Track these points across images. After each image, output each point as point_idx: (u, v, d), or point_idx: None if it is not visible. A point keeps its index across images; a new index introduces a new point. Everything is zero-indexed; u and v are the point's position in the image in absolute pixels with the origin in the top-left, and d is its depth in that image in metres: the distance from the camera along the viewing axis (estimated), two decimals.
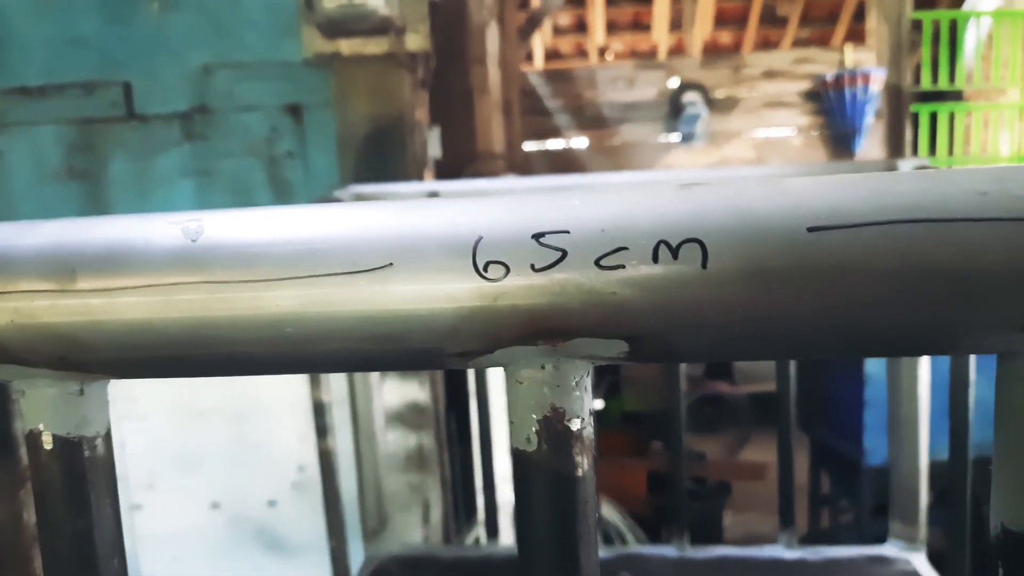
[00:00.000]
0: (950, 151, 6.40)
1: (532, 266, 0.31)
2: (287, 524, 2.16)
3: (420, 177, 2.09)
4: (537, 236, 0.31)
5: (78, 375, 0.35)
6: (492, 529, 1.44)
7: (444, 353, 0.33)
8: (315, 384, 1.18)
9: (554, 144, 6.60)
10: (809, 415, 3.90)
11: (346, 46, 1.88)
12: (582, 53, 7.45)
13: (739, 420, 5.34)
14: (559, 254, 0.31)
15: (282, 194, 2.08)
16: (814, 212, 0.29)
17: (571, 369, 0.33)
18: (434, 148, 2.59)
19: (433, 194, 1.29)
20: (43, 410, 0.35)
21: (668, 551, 1.34)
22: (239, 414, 2.09)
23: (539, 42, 7.26)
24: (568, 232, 0.31)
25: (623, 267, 0.30)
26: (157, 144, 2.14)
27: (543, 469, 0.33)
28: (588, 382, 0.34)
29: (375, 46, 1.86)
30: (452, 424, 2.21)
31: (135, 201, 2.14)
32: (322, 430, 1.18)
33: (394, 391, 2.02)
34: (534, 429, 0.33)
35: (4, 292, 0.34)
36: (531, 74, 6.49)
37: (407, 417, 2.00)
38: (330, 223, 0.33)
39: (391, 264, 0.32)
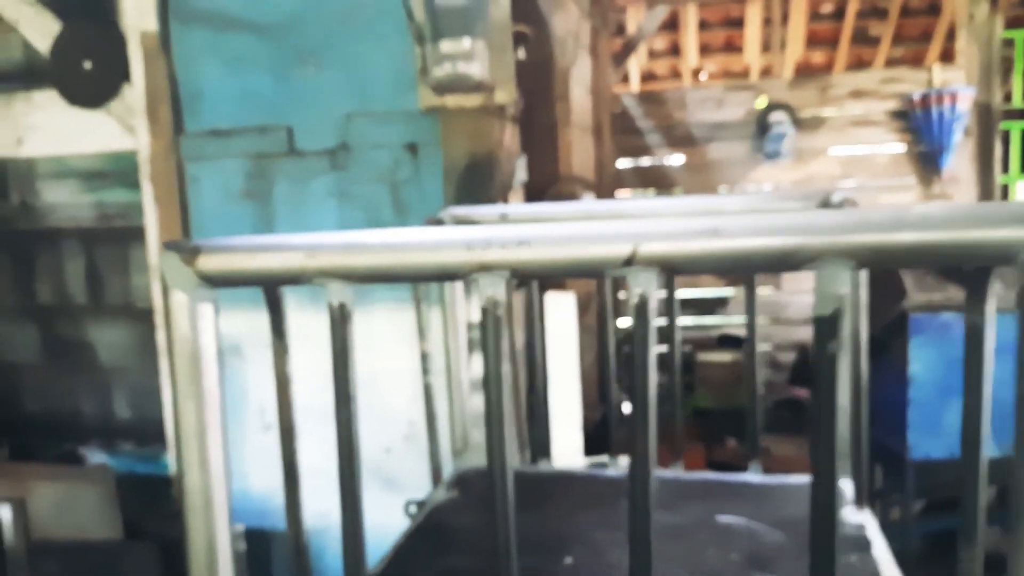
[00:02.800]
0: None
1: None
2: (399, 467, 2.79)
3: (506, 199, 2.68)
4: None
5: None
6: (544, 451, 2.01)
7: None
8: (422, 336, 1.77)
9: (648, 161, 7.07)
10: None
11: (451, 100, 2.50)
12: (677, 75, 7.89)
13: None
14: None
15: (401, 212, 2.72)
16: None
17: None
18: (521, 173, 3.18)
19: (504, 215, 1.86)
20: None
21: (663, 474, 1.86)
22: (363, 380, 2.73)
23: (635, 65, 7.76)
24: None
25: None
26: (311, 173, 2.82)
27: None
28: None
29: (472, 101, 2.47)
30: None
31: (293, 216, 2.83)
32: (425, 369, 1.77)
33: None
34: None
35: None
36: (625, 96, 6.99)
37: None
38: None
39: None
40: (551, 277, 0.84)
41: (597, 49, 5.60)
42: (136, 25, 2.83)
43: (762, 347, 7.07)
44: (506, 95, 2.47)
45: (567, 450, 3.59)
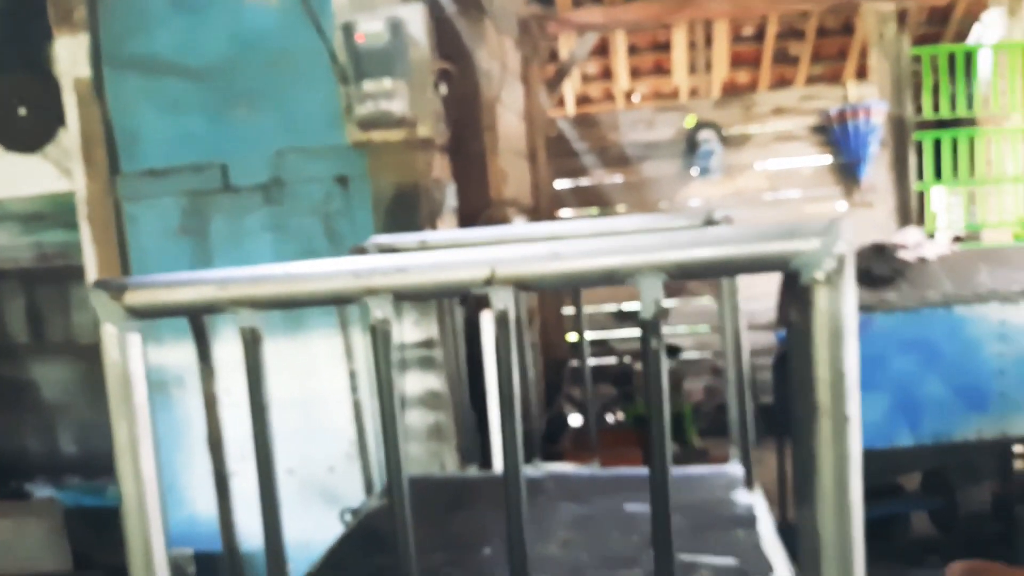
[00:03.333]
0: (955, 174, 6.88)
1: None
2: (342, 484, 2.91)
3: (434, 226, 2.84)
4: None
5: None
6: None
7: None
8: (349, 357, 1.90)
9: (585, 181, 7.32)
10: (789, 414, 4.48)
11: (376, 136, 2.66)
12: (611, 98, 8.18)
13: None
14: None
15: (334, 242, 2.86)
16: None
17: None
18: (451, 200, 3.35)
19: (423, 242, 2.02)
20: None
21: (581, 472, 2.02)
22: (306, 401, 2.86)
23: (570, 90, 8.02)
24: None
25: None
26: (246, 208, 2.95)
27: None
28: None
29: (395, 135, 2.63)
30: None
31: (230, 251, 2.95)
32: (353, 387, 1.91)
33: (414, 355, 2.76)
34: None
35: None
36: (560, 120, 7.23)
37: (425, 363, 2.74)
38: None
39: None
40: (426, 297, 1.00)
41: (528, 76, 5.82)
42: (70, 72, 2.93)
43: (704, 354, 7.34)
44: (428, 129, 2.64)
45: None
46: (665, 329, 0.89)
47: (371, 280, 0.94)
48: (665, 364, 1.01)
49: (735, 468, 1.93)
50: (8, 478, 3.37)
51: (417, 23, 2.58)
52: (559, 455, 4.44)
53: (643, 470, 2.09)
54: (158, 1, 2.88)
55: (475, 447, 3.25)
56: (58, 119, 2.97)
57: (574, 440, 4.81)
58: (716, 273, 0.88)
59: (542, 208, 6.01)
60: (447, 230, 2.60)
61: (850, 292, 0.85)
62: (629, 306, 7.35)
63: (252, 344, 1.05)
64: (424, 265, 0.94)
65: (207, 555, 3.02)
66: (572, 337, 7.32)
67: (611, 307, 7.40)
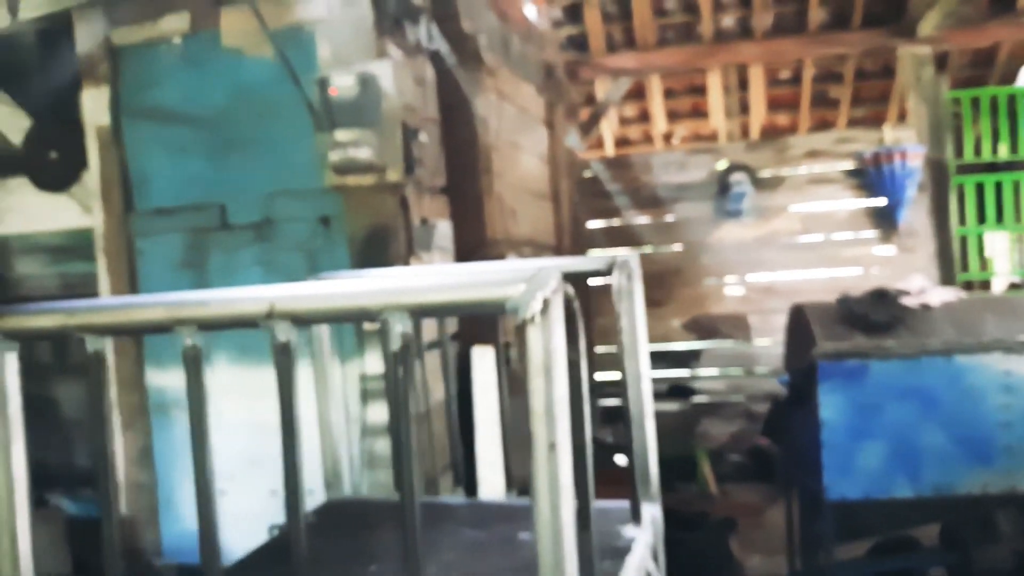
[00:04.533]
0: (999, 219, 6.70)
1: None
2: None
3: (407, 262, 3.02)
4: None
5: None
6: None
7: None
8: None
9: (617, 222, 7.42)
10: (793, 462, 4.44)
11: (350, 180, 2.87)
12: (649, 140, 8.29)
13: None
14: None
15: (316, 277, 3.06)
16: None
17: None
18: (440, 239, 3.54)
19: (362, 277, 2.20)
20: None
21: (495, 500, 2.14)
22: (258, 429, 3.05)
23: (608, 132, 8.18)
24: None
25: None
26: (240, 244, 3.20)
27: None
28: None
29: (366, 180, 2.84)
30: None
31: (225, 283, 3.19)
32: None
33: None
34: None
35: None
36: (594, 162, 7.38)
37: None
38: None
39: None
40: (221, 328, 1.16)
41: (553, 120, 6.01)
42: (93, 120, 3.27)
43: (735, 398, 7.27)
44: (396, 174, 2.83)
45: (494, 485, 3.85)
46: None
47: (180, 311, 1.12)
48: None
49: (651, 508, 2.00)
50: (32, 488, 3.67)
51: (387, 77, 2.80)
52: None
53: (510, 501, 2.17)
54: (168, 57, 3.19)
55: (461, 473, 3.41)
56: (82, 162, 3.30)
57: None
58: (448, 313, 1.01)
59: (566, 247, 6.15)
60: (393, 268, 2.77)
61: (557, 331, 0.97)
62: (658, 346, 7.36)
63: (97, 365, 1.24)
64: (218, 300, 1.11)
65: (194, 568, 3.23)
66: (601, 377, 7.38)
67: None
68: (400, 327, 1.03)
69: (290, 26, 3.02)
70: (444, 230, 3.72)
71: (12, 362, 1.26)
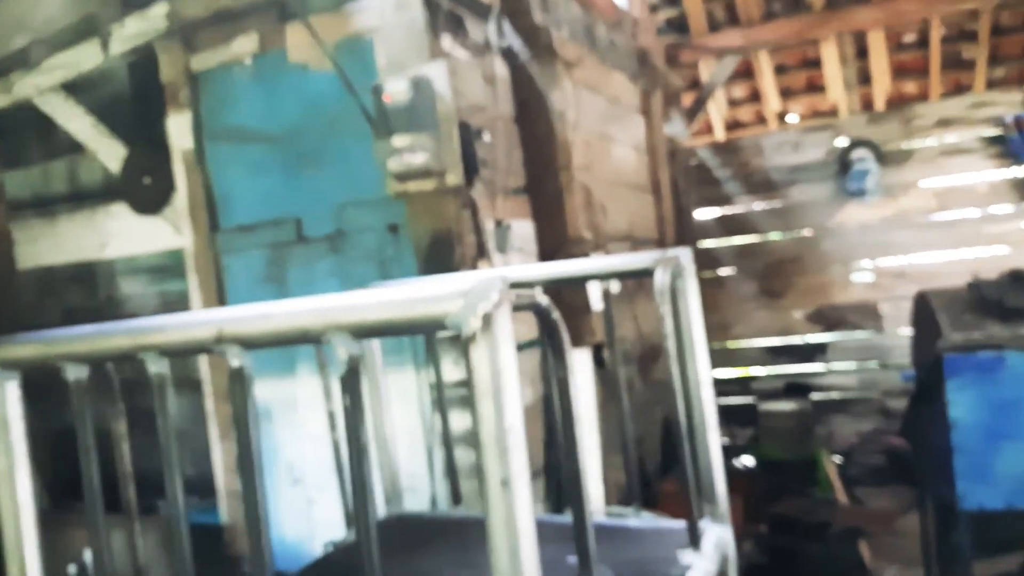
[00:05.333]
0: None
1: None
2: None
3: (474, 266, 2.94)
4: None
5: None
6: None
7: None
8: (328, 398, 2.06)
9: (729, 210, 7.06)
10: (925, 466, 4.02)
11: (411, 186, 2.82)
12: (762, 120, 7.84)
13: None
14: None
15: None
16: None
17: None
18: (518, 240, 3.44)
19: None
20: None
21: (556, 519, 2.01)
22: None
23: (717, 115, 7.80)
24: None
25: None
26: (315, 257, 3.23)
27: None
28: None
29: (426, 185, 2.78)
30: None
31: (304, 295, 3.24)
32: (332, 426, 2.06)
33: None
34: None
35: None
36: (700, 148, 7.06)
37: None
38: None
39: None
40: (184, 355, 1.11)
41: (649, 109, 5.77)
42: (179, 144, 3.40)
43: (868, 393, 6.74)
44: (456, 177, 2.76)
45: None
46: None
47: (142, 339, 1.08)
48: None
49: (720, 529, 1.82)
50: (145, 495, 3.88)
51: (441, 79, 2.73)
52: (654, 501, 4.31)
53: (617, 521, 2.03)
54: (242, 78, 3.27)
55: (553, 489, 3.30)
56: (172, 185, 3.44)
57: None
58: (388, 334, 0.91)
59: (669, 240, 5.89)
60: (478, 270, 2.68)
61: (504, 350, 0.85)
62: (783, 340, 6.95)
63: (80, 393, 1.23)
64: (174, 325, 1.07)
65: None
66: (720, 374, 7.04)
67: (763, 342, 7.04)
68: (348, 348, 0.94)
69: (349, 37, 3.01)
70: (523, 231, 3.63)
71: (13, 390, 1.28)
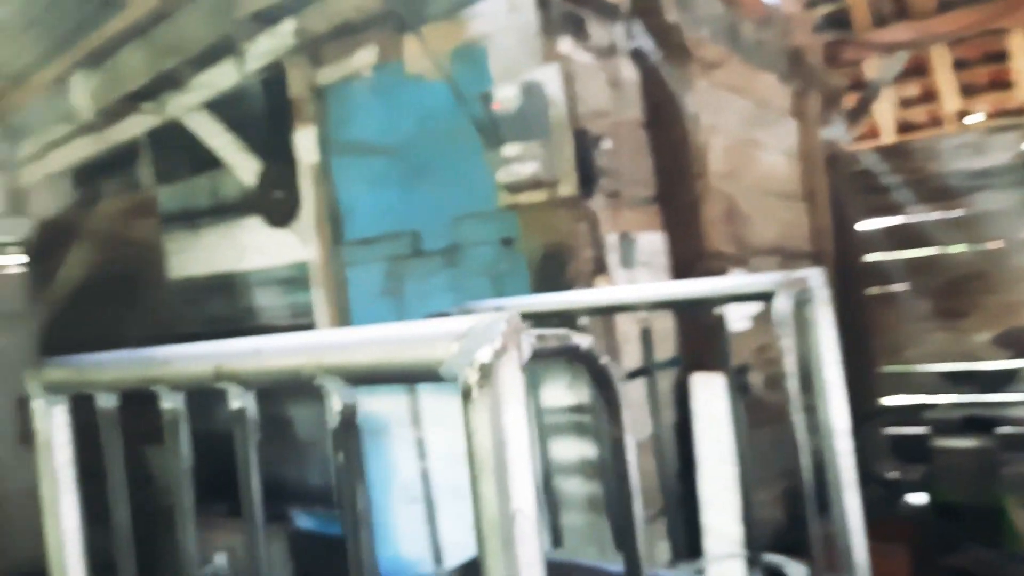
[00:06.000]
0: None
1: None
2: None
3: (589, 283, 2.75)
4: None
5: None
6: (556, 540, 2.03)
7: None
8: (416, 423, 1.94)
9: (900, 220, 6.40)
10: None
11: (523, 198, 2.68)
12: (937, 122, 7.07)
13: None
14: None
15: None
16: None
17: None
18: (646, 255, 3.21)
19: (499, 307, 1.98)
20: None
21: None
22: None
23: (886, 117, 7.12)
24: None
25: None
26: (431, 270, 3.16)
27: None
28: None
29: (538, 196, 2.62)
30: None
31: (419, 309, 3.17)
32: (421, 454, 1.94)
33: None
34: None
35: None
36: (864, 153, 6.45)
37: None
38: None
39: None
40: (184, 389, 1.01)
41: (804, 111, 5.31)
42: (305, 158, 3.45)
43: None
44: (570, 187, 2.59)
45: (722, 541, 3.40)
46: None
47: (152, 371, 0.99)
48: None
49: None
50: (274, 502, 3.97)
51: (554, 83, 2.57)
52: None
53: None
54: (362, 93, 3.26)
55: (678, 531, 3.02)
56: (299, 199, 3.50)
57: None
58: (380, 382, 0.75)
59: (827, 253, 5.38)
60: (541, 295, 2.50)
61: (511, 410, 0.66)
62: (964, 366, 6.21)
63: (107, 421, 1.16)
64: (179, 357, 0.96)
65: None
66: (889, 401, 6.38)
67: (939, 367, 6.31)
68: (342, 395, 0.80)
69: (464, 45, 2.92)
70: (651, 244, 3.38)
71: (60, 415, 1.24)
